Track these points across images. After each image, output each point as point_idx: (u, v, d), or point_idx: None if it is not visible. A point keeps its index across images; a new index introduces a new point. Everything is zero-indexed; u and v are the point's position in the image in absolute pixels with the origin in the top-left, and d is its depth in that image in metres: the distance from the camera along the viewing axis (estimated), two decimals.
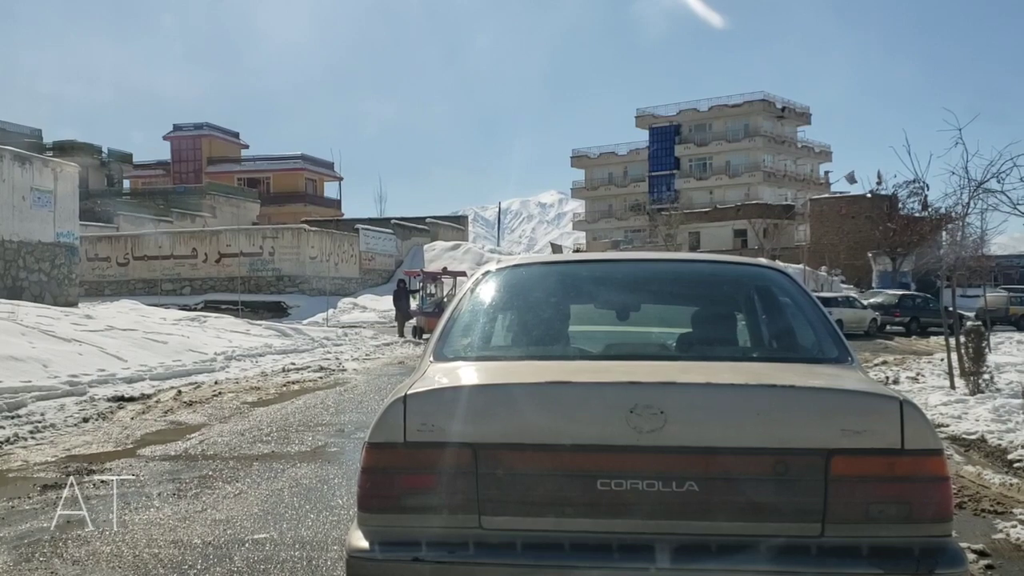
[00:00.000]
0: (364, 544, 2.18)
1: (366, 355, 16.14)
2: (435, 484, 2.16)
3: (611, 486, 2.10)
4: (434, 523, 2.16)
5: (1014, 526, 4.54)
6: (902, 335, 24.77)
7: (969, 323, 10.94)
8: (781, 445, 2.09)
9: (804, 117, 72.58)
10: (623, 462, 2.11)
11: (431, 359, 2.62)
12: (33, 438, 7.21)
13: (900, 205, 34.37)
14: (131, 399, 9.42)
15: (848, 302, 26.08)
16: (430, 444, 2.16)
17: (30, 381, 9.27)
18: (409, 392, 2.23)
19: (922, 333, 24.50)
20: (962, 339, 10.53)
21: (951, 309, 12.26)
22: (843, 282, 40.16)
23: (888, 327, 25.99)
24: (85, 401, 9.02)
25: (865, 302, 27.02)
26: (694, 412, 2.13)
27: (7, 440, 7.03)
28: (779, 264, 4.38)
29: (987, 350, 10.56)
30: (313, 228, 35.06)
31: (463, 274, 23.82)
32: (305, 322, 23.48)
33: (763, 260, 3.85)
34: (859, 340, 21.25)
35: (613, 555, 2.08)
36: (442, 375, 2.42)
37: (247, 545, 4.16)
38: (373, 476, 2.22)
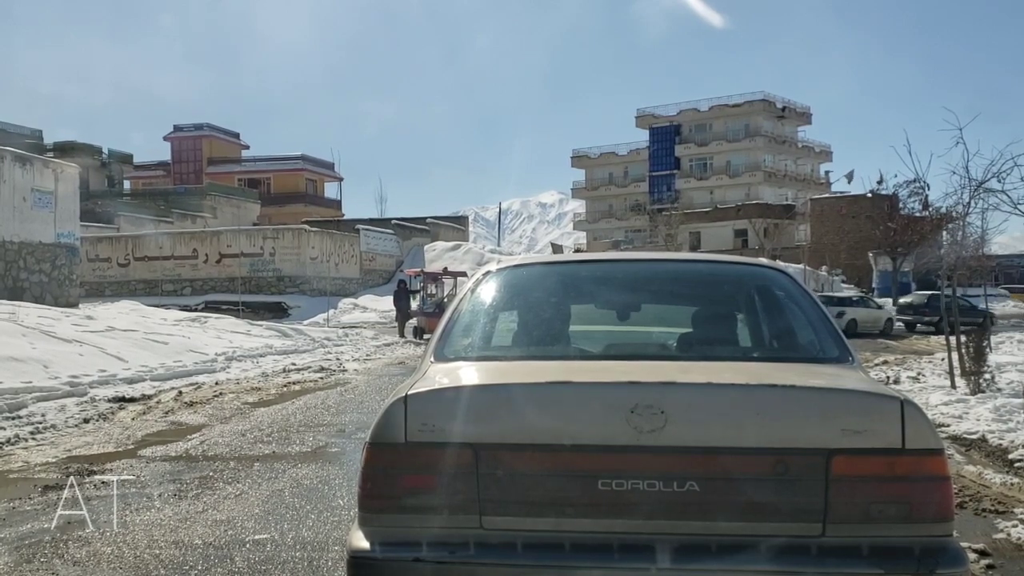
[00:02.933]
0: (365, 544, 2.18)
1: (367, 355, 16.14)
2: (436, 484, 2.16)
3: (612, 486, 2.10)
4: (435, 523, 2.16)
5: (1015, 526, 4.54)
6: (933, 334, 24.83)
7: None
8: (782, 445, 2.09)
9: (804, 117, 72.59)
10: (624, 462, 2.11)
11: (432, 359, 2.62)
12: (34, 439, 7.21)
13: (901, 205, 34.30)
14: (132, 400, 9.42)
15: (863, 302, 26.07)
16: (431, 444, 2.16)
17: (31, 382, 9.27)
18: (410, 392, 2.23)
19: (951, 331, 24.50)
20: (963, 338, 10.53)
21: (956, 307, 12.25)
22: (844, 282, 40.16)
23: (919, 326, 26.06)
24: (86, 402, 9.02)
25: (897, 302, 27.08)
26: (695, 412, 2.13)
27: (8, 441, 7.03)
28: (779, 264, 4.38)
29: (988, 350, 10.56)
30: (314, 228, 35.05)
31: (463, 274, 23.82)
32: (306, 323, 23.47)
33: (763, 260, 3.85)
34: (859, 340, 21.23)
35: (614, 555, 2.08)
36: (443, 375, 2.42)
37: (248, 546, 4.16)
38: (374, 476, 2.22)
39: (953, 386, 9.94)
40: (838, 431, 2.08)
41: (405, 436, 2.17)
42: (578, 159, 79.14)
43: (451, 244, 41.06)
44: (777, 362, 2.68)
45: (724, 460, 2.10)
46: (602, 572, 2.09)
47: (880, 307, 26.19)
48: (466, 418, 2.17)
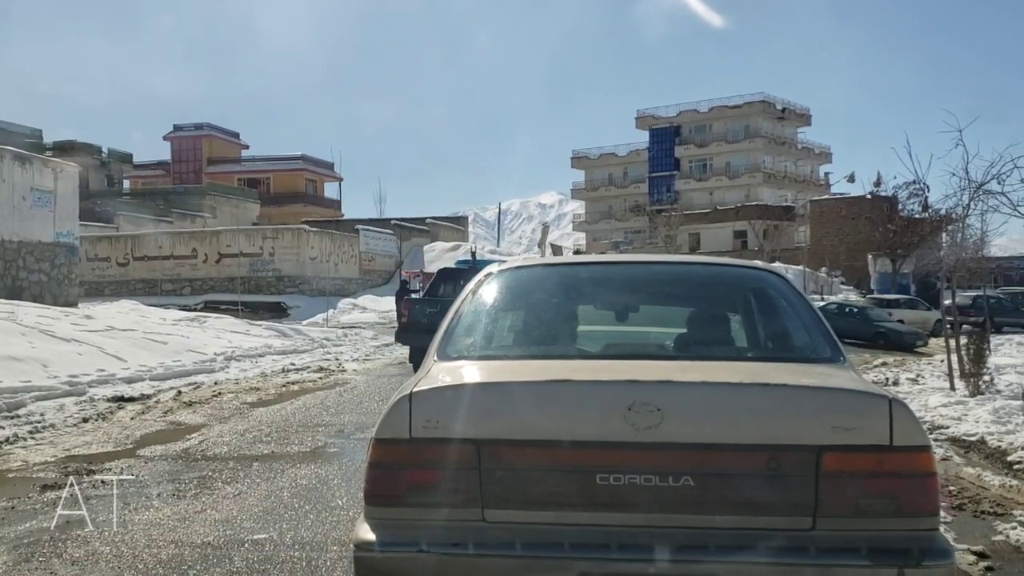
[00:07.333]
0: (371, 537, 2.24)
1: (366, 356, 16.15)
2: (439, 479, 2.22)
3: (610, 481, 2.16)
4: (438, 517, 2.22)
5: (1014, 528, 4.55)
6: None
7: None
8: (774, 441, 2.15)
9: (804, 118, 72.59)
10: (621, 458, 2.16)
11: (435, 358, 2.68)
12: (33, 438, 7.22)
13: (900, 206, 34.33)
14: (131, 399, 9.43)
15: (910, 304, 25.85)
16: (435, 440, 2.22)
17: (30, 381, 9.28)
18: (414, 390, 2.29)
19: (997, 331, 24.46)
20: (963, 340, 10.54)
21: (959, 307, 12.27)
22: (843, 283, 40.18)
23: (964, 326, 25.88)
24: (85, 401, 9.03)
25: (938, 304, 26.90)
26: (690, 409, 2.18)
27: (7, 440, 7.04)
28: (774, 266, 4.42)
29: (987, 352, 10.57)
30: (313, 228, 35.08)
31: None
32: (305, 323, 23.49)
33: (759, 262, 3.90)
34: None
35: (612, 548, 2.14)
36: (446, 374, 2.47)
37: (247, 546, 4.17)
38: (379, 471, 2.28)
39: (952, 388, 9.95)
40: (828, 428, 2.14)
41: (410, 432, 2.23)
42: (578, 160, 79.13)
43: (450, 244, 41.07)
44: (771, 362, 2.76)
45: (718, 456, 2.16)
46: (601, 564, 2.14)
47: (929, 308, 25.88)
48: (469, 415, 2.23)
